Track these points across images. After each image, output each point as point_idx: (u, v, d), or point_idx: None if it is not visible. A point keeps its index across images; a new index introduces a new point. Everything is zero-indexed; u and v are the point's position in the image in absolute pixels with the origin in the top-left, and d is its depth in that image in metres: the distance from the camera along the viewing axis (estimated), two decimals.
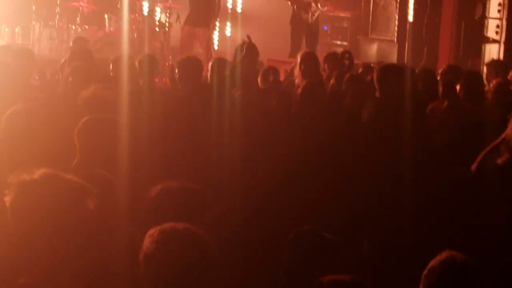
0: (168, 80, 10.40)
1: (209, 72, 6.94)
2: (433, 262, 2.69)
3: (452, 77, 7.00)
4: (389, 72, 6.03)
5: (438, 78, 7.45)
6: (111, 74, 7.07)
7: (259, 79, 7.19)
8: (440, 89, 6.62)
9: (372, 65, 9.00)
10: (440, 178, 5.32)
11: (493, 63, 8.60)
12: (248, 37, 6.91)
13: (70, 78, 6.51)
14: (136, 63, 6.84)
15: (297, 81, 7.18)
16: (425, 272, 2.69)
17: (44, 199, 2.62)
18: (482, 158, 5.06)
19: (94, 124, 4.22)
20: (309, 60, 7.43)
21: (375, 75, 6.14)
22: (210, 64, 6.98)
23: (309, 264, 3.05)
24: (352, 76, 6.57)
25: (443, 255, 2.69)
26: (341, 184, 5.21)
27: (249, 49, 6.94)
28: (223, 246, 3.47)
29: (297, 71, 7.38)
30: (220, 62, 6.89)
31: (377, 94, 6.04)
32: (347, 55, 8.29)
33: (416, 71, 7.54)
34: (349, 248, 3.37)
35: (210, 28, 11.76)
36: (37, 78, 7.86)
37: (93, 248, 2.64)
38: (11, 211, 2.65)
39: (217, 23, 12.97)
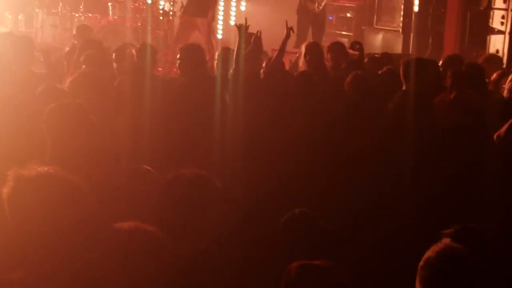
0: (174, 69, 10.38)
1: (215, 61, 6.93)
2: (429, 253, 2.67)
3: (454, 67, 7.00)
4: (415, 66, 6.23)
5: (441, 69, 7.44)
6: (114, 63, 7.03)
7: (262, 70, 7.16)
8: (449, 80, 6.62)
9: (376, 55, 8.97)
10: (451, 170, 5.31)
11: (491, 58, 8.79)
12: (259, 32, 6.91)
13: (84, 66, 6.50)
14: (134, 52, 6.78)
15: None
16: (421, 263, 2.66)
17: (40, 196, 2.61)
18: (508, 128, 5.06)
19: (62, 111, 4.04)
20: (314, 50, 7.39)
21: (401, 69, 6.32)
22: (216, 53, 6.96)
23: (301, 248, 3.06)
24: (355, 76, 6.46)
25: (439, 246, 2.67)
26: (345, 176, 5.18)
27: (256, 41, 6.92)
28: (223, 238, 3.46)
29: (301, 62, 7.34)
30: (226, 51, 6.86)
31: (404, 87, 6.23)
32: (357, 46, 8.19)
33: None
34: (339, 233, 3.37)
35: (209, 17, 11.68)
36: (42, 59, 7.83)
37: (90, 247, 2.61)
38: (8, 205, 2.63)
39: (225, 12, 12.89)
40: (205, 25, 11.54)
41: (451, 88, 6.55)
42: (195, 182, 3.14)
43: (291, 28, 7.23)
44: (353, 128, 5.85)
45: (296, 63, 7.81)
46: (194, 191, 3.11)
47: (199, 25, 11.52)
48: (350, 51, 8.43)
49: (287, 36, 7.16)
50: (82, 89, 5.25)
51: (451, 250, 2.65)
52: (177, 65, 6.69)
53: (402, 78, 6.26)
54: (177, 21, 12.61)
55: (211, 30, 11.81)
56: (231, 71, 6.30)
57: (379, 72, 7.13)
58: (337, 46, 7.95)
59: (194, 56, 6.47)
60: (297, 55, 7.85)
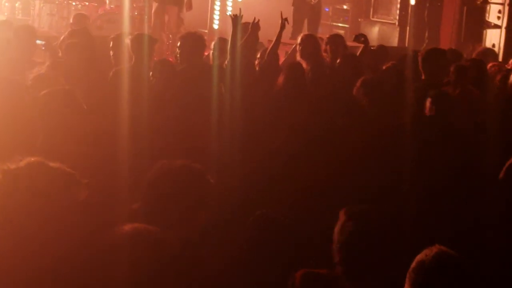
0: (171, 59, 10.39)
1: (211, 51, 6.93)
2: (422, 256, 2.63)
3: (456, 63, 7.04)
4: (433, 56, 6.54)
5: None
6: (111, 52, 7.03)
7: (257, 61, 7.18)
8: (452, 76, 6.67)
9: (372, 47, 8.96)
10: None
11: (485, 52, 8.88)
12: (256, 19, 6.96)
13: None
14: (128, 42, 6.74)
15: None
16: (413, 265, 2.63)
17: (29, 187, 2.55)
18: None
19: (52, 97, 4.09)
20: (308, 42, 7.38)
21: (419, 59, 6.55)
22: (212, 43, 6.97)
23: (264, 246, 3.12)
24: (365, 81, 6.41)
25: (433, 250, 2.63)
26: (344, 173, 5.16)
27: (254, 27, 6.94)
28: (221, 227, 3.47)
29: (298, 54, 7.35)
30: (223, 42, 6.87)
31: (423, 77, 6.47)
32: (362, 38, 8.17)
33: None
34: (302, 231, 3.41)
35: (184, 7, 11.65)
36: (43, 48, 7.83)
37: (80, 237, 2.59)
38: None
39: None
40: (174, 13, 11.52)
41: (455, 83, 6.60)
42: (183, 174, 3.11)
43: (285, 19, 7.25)
44: (356, 125, 5.81)
45: (292, 54, 7.82)
46: (182, 182, 3.07)
47: (169, 11, 11.51)
48: (355, 43, 8.40)
49: (282, 27, 7.18)
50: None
51: (444, 254, 2.63)
52: (177, 54, 6.74)
53: (420, 68, 6.46)
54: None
55: (180, 19, 11.74)
56: (226, 62, 6.32)
57: (384, 67, 7.13)
58: (336, 39, 7.92)
59: (195, 45, 6.51)
60: (294, 46, 7.85)
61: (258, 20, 6.94)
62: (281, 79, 6.41)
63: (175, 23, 11.50)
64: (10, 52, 6.71)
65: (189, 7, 11.90)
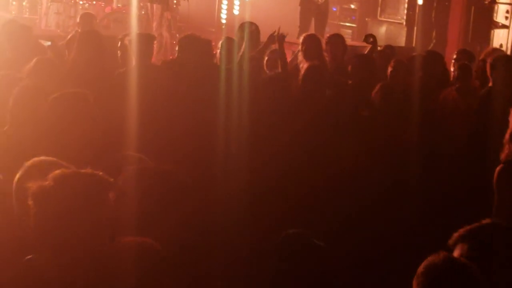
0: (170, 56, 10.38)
1: (218, 51, 6.92)
2: (432, 259, 2.61)
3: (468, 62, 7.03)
4: (503, 62, 6.35)
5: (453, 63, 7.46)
6: (118, 52, 7.03)
7: (264, 63, 7.16)
8: (456, 73, 6.66)
9: (379, 48, 8.94)
10: None
11: (494, 52, 8.81)
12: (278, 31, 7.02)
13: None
14: (127, 43, 6.68)
15: (301, 65, 7.08)
16: (421, 269, 2.60)
17: (67, 202, 2.54)
18: None
19: (65, 100, 4.12)
20: (310, 41, 7.34)
21: (488, 65, 6.38)
22: (220, 42, 6.96)
23: (297, 268, 3.06)
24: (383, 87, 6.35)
25: (441, 255, 2.62)
26: (350, 178, 5.15)
27: (280, 40, 6.99)
28: (226, 229, 3.46)
29: (301, 54, 7.33)
30: (230, 42, 6.86)
31: (490, 84, 6.30)
32: (371, 39, 8.10)
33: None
34: (333, 252, 3.37)
35: (169, 6, 11.65)
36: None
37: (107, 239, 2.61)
38: (34, 219, 2.55)
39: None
40: (158, 12, 11.54)
41: (456, 80, 6.61)
42: (158, 176, 3.06)
43: (282, 34, 7.23)
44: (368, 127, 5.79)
45: (296, 56, 7.78)
46: (155, 185, 3.02)
47: (155, 11, 11.56)
48: (360, 42, 8.37)
49: (274, 39, 7.18)
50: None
51: (453, 258, 2.64)
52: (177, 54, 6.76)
53: (489, 75, 6.33)
54: (181, 10, 12.62)
55: (164, 19, 11.73)
56: (234, 66, 6.31)
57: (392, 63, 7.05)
58: (336, 39, 7.86)
59: (197, 46, 6.51)
60: (299, 47, 7.82)
61: (283, 34, 6.98)
62: (298, 82, 6.40)
63: (158, 22, 11.52)
64: (9, 52, 6.73)
65: (166, 7, 11.88)
